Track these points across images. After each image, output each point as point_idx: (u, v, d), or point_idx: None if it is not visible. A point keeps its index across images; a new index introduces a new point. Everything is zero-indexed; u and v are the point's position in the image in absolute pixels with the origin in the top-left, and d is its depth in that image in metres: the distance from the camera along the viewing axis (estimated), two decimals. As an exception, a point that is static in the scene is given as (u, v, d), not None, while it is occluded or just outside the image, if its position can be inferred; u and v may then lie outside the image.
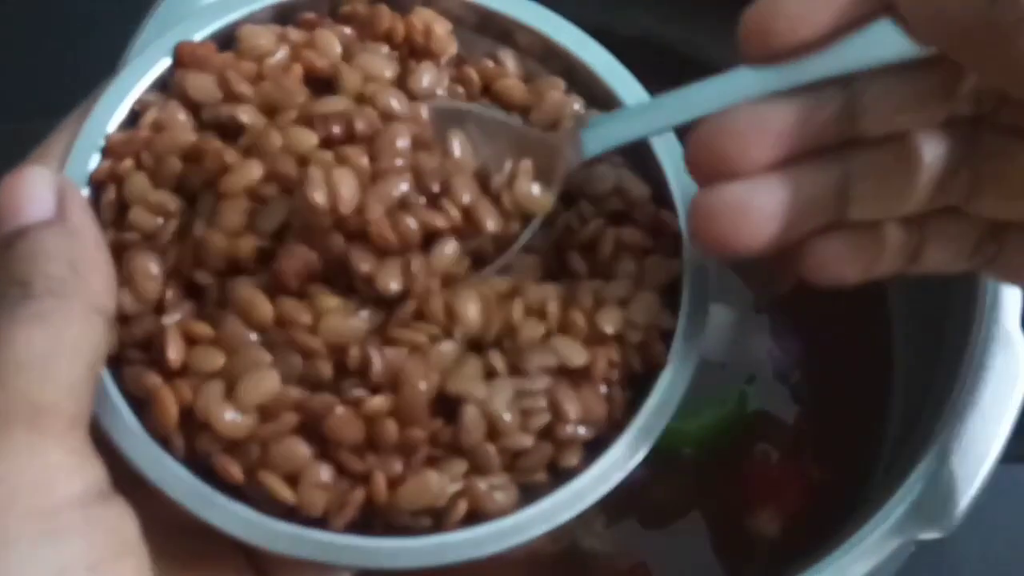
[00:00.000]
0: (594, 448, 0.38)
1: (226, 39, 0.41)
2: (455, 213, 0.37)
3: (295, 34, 0.41)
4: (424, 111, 0.39)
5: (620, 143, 0.38)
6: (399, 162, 0.37)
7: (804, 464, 0.55)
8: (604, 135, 0.38)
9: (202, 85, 0.40)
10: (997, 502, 0.48)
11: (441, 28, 0.42)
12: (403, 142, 0.37)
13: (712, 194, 0.36)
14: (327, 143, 0.37)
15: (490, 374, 0.38)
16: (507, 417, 0.37)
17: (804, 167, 0.36)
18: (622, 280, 0.40)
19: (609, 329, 0.38)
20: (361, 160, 0.37)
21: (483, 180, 0.38)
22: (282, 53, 0.41)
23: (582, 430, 0.38)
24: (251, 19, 0.41)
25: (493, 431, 0.37)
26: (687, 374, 0.39)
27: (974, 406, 0.47)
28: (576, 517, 0.38)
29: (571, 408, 0.38)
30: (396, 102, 0.39)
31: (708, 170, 0.36)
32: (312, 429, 0.37)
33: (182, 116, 0.40)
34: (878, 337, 0.57)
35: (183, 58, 0.40)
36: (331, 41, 0.41)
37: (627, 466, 0.38)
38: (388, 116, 0.38)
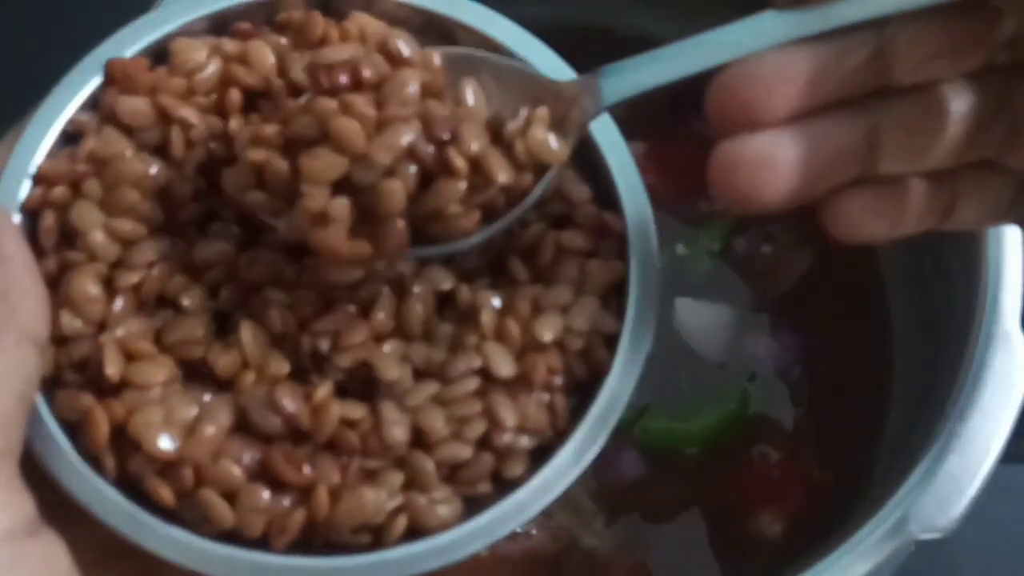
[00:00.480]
0: (540, 457, 0.38)
1: (159, 53, 0.40)
2: (463, 163, 0.36)
3: (230, 45, 0.40)
4: (436, 58, 0.38)
5: (640, 91, 0.37)
6: (407, 110, 0.36)
7: (804, 464, 0.55)
8: (623, 83, 0.37)
9: (134, 108, 0.39)
10: (997, 502, 0.48)
11: (376, 32, 0.40)
12: (412, 88, 0.36)
13: (735, 145, 0.34)
14: (332, 91, 0.36)
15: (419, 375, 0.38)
16: (436, 422, 0.37)
17: (831, 117, 0.34)
18: (563, 285, 0.39)
19: (547, 337, 0.38)
20: (367, 109, 0.35)
21: (496, 130, 0.37)
22: (214, 67, 0.40)
23: (523, 439, 0.37)
24: (185, 31, 0.41)
25: (425, 441, 0.37)
26: (632, 380, 0.38)
27: (974, 406, 0.47)
28: (518, 528, 0.37)
29: (507, 416, 0.37)
30: (405, 46, 0.38)
31: (730, 119, 0.34)
32: (247, 431, 0.36)
33: (122, 144, 0.39)
34: (878, 337, 0.57)
35: (114, 75, 0.40)
36: (264, 53, 0.40)
37: (571, 475, 0.37)
38: (397, 62, 0.37)
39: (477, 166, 0.36)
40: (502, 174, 0.36)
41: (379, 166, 0.35)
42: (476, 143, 0.36)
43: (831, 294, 0.58)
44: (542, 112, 0.37)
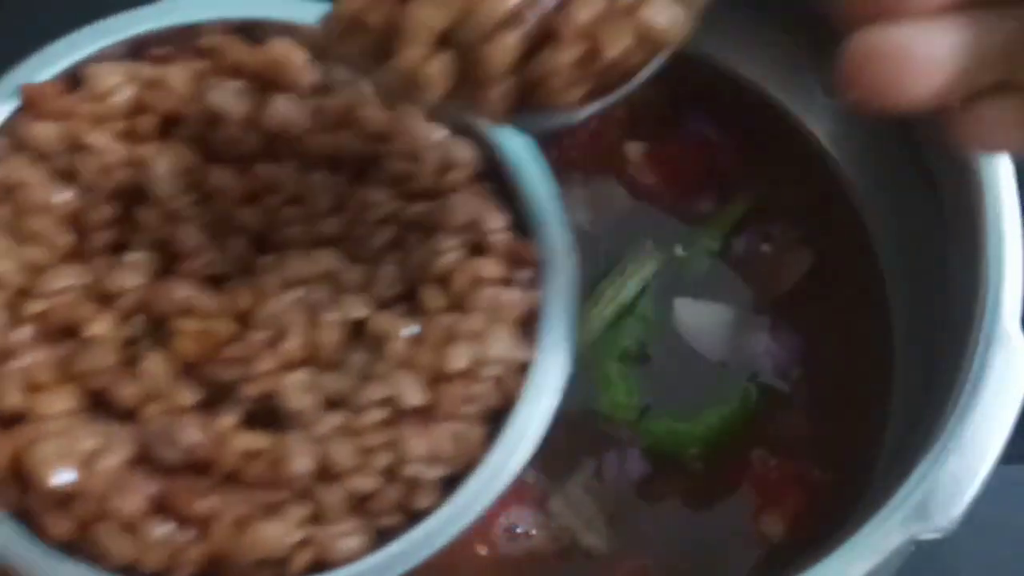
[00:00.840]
0: (453, 486, 0.38)
1: (75, 77, 0.40)
2: (571, 32, 0.32)
3: (147, 70, 0.40)
4: None
5: None
6: None
7: (805, 464, 0.55)
8: None
9: (45, 134, 0.39)
10: (997, 502, 0.48)
11: (297, 58, 0.41)
12: None
13: (873, 34, 0.31)
14: None
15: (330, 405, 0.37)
16: (342, 454, 0.36)
17: (979, 14, 0.31)
18: (477, 314, 0.39)
19: (458, 365, 0.37)
20: None
21: None
22: (128, 92, 0.40)
23: (433, 469, 0.37)
24: (103, 56, 0.40)
25: (330, 472, 0.36)
26: (546, 406, 0.38)
27: (974, 406, 0.47)
28: (428, 557, 0.37)
29: (415, 446, 0.37)
30: None
31: (870, 5, 0.31)
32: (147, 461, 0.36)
33: (30, 171, 0.39)
34: (878, 337, 0.57)
35: (28, 101, 0.39)
36: (180, 79, 0.40)
37: (482, 503, 0.37)
38: None
39: (587, 36, 0.33)
40: (611, 47, 0.33)
41: (488, 20, 0.32)
42: (587, 11, 0.33)
43: (831, 294, 0.58)
44: None
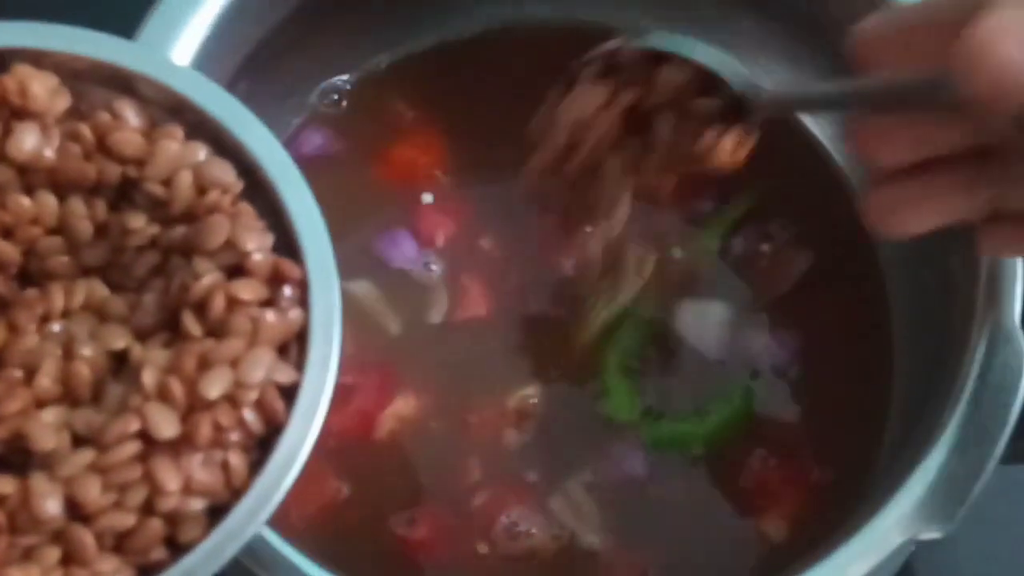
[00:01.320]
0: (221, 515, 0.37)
1: None
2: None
3: None
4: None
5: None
6: None
7: (805, 464, 0.55)
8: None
9: None
10: (997, 502, 0.48)
11: (40, 86, 0.40)
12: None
13: (882, 194, 0.43)
14: None
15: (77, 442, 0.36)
16: (91, 492, 0.35)
17: (945, 166, 0.41)
18: (235, 338, 0.38)
19: (212, 394, 0.36)
20: None
21: None
22: None
23: (194, 501, 0.36)
24: None
25: (82, 512, 0.35)
26: (313, 429, 0.38)
27: (974, 406, 0.47)
28: None
29: (168, 480, 0.36)
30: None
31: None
32: None
33: None
34: (878, 336, 0.57)
35: None
36: None
37: (248, 531, 0.37)
38: None
39: None
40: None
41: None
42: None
43: (831, 294, 0.58)
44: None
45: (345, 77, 0.61)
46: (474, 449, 0.55)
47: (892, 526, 0.45)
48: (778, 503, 0.54)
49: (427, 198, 0.59)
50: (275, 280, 0.39)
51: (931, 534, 0.45)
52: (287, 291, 0.39)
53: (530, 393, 0.56)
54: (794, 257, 0.58)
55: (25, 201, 0.40)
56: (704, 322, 0.57)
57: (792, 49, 0.59)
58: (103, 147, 0.40)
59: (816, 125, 0.60)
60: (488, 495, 0.54)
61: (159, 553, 0.37)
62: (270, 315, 0.38)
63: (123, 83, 0.41)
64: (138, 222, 0.40)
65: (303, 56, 0.58)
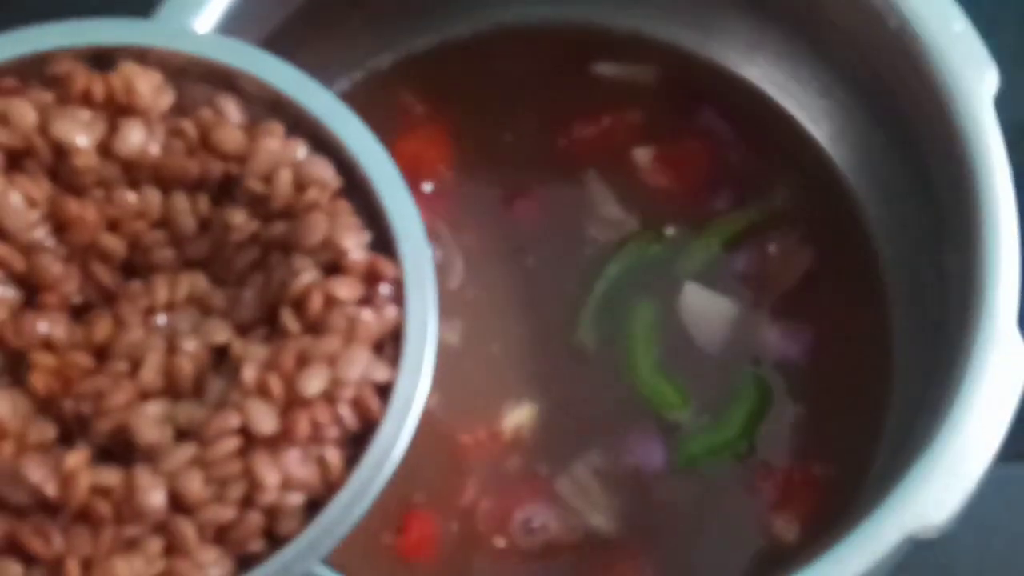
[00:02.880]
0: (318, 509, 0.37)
1: None
2: None
3: None
4: None
5: None
6: None
7: (805, 462, 0.55)
8: None
9: None
10: (995, 501, 0.48)
11: (145, 83, 0.40)
12: None
13: None
14: None
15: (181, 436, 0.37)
16: (193, 486, 0.36)
17: None
18: (333, 335, 0.38)
19: (311, 391, 0.37)
20: None
21: None
22: None
23: (292, 496, 0.37)
24: None
25: (184, 504, 0.36)
26: (408, 426, 0.38)
27: (972, 405, 0.47)
28: None
29: (267, 475, 0.36)
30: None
31: None
32: None
33: None
34: (878, 336, 0.57)
35: None
36: (24, 111, 0.39)
37: (344, 527, 0.37)
38: None
39: None
40: None
41: None
42: None
43: (831, 293, 0.58)
44: None
45: (349, 76, 0.61)
46: (475, 449, 0.55)
47: (889, 524, 0.45)
48: (779, 501, 0.54)
49: (426, 187, 0.59)
50: (371, 278, 0.39)
51: (928, 532, 0.45)
52: (383, 289, 0.39)
53: (532, 387, 0.56)
54: (795, 257, 0.58)
55: (131, 196, 0.41)
56: (708, 314, 0.57)
57: (790, 50, 0.59)
58: (206, 143, 0.41)
59: (816, 125, 0.61)
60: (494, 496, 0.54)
61: (257, 545, 0.37)
62: (366, 313, 0.39)
63: (224, 80, 0.42)
64: (239, 218, 0.40)
65: (304, 56, 0.58)
